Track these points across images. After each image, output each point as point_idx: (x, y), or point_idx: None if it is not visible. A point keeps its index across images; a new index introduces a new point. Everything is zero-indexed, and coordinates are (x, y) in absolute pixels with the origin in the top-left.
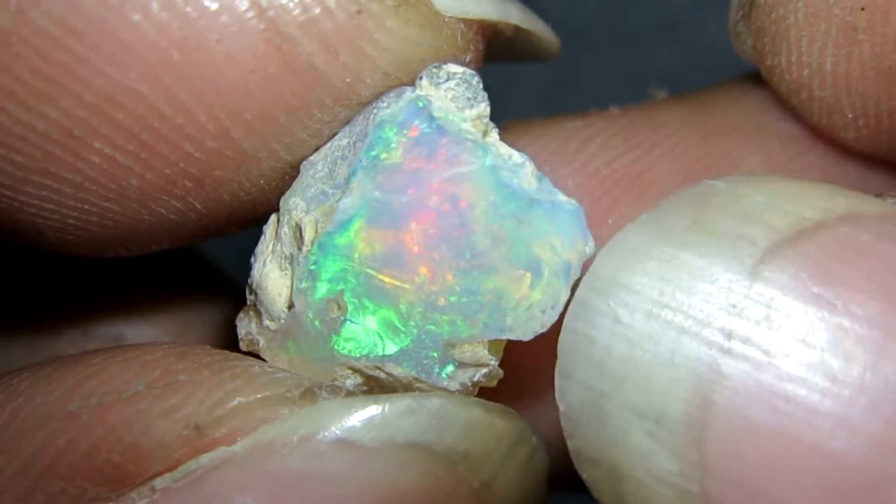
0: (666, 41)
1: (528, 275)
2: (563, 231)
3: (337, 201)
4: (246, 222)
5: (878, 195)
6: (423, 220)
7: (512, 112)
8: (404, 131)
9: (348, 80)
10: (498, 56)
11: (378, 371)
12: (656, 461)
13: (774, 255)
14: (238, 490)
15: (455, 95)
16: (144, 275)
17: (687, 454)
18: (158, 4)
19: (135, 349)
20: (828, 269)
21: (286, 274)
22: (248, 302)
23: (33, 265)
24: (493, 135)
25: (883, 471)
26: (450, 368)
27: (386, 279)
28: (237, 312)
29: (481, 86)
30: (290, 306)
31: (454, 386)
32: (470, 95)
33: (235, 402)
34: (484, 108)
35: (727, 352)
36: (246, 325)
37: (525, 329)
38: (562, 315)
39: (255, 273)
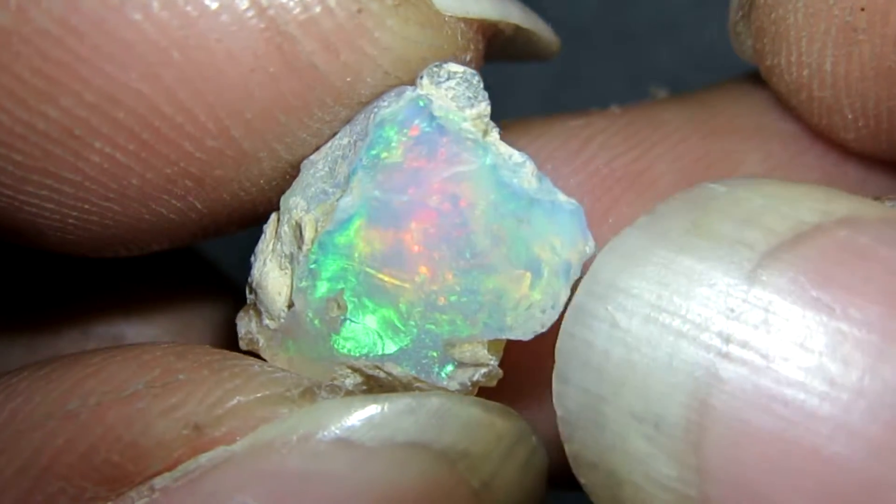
0: (666, 41)
1: (528, 274)
2: (564, 231)
3: (337, 200)
4: (246, 222)
5: (876, 198)
6: (424, 220)
7: (512, 111)
8: (405, 130)
9: (349, 79)
10: (498, 55)
11: (378, 370)
12: (654, 465)
13: (773, 258)
14: (237, 489)
15: (456, 95)
16: (144, 274)
17: (685, 458)
18: (159, 4)
19: (134, 349)
20: (826, 273)
21: (286, 273)
22: (248, 301)
23: (33, 265)
24: (494, 134)
25: (882, 475)
26: (449, 368)
27: (386, 278)
28: (237, 312)
29: (482, 85)
30: (290, 305)
31: (453, 386)
32: (470, 95)
33: (235, 402)
34: (484, 107)
35: (725, 356)
36: (246, 324)
37: (525, 329)
38: (561, 315)
39: (255, 272)
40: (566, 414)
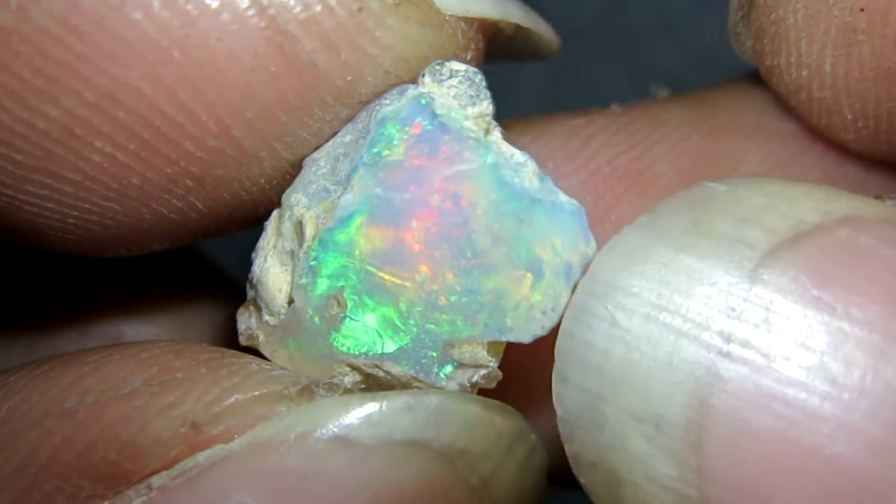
0: (666, 41)
1: (529, 275)
2: (565, 231)
3: (338, 198)
4: (247, 221)
5: (877, 197)
6: (424, 218)
7: (512, 111)
8: (406, 128)
9: (349, 78)
10: (499, 55)
11: (376, 369)
12: (655, 465)
13: (774, 257)
14: (235, 488)
15: (458, 93)
16: (145, 274)
17: (685, 458)
18: (159, 3)
19: (132, 346)
20: (827, 272)
21: (287, 270)
22: (249, 297)
23: (33, 264)
24: (496, 133)
25: (883, 475)
26: (448, 369)
27: (386, 277)
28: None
29: (484, 84)
30: (290, 302)
31: (452, 386)
32: (473, 93)
33: (232, 400)
34: (486, 106)
35: (726, 355)
36: (246, 320)
37: (525, 330)
38: (562, 317)
39: (255, 268)
40: (566, 414)
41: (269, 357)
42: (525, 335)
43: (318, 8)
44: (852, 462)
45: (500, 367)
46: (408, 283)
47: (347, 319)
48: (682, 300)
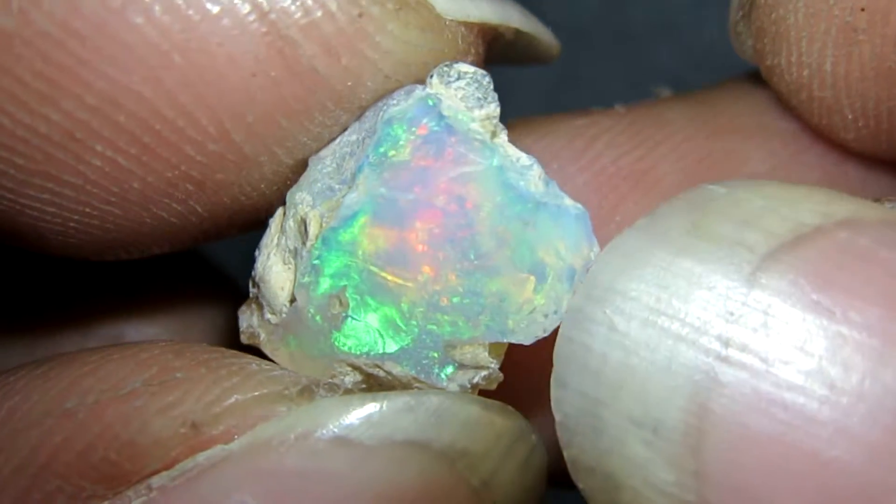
0: (666, 41)
1: (532, 278)
2: (569, 235)
3: (343, 197)
4: (247, 225)
5: (876, 200)
6: (429, 219)
7: (513, 112)
8: (413, 129)
9: (349, 83)
10: (498, 59)
11: (377, 369)
12: (653, 470)
13: (773, 260)
14: (235, 488)
15: (465, 95)
16: (146, 275)
17: (684, 463)
18: (160, 7)
19: (132, 347)
20: (826, 276)
21: (289, 268)
22: (251, 295)
23: (34, 266)
24: (502, 136)
25: (882, 479)
26: (449, 370)
27: (389, 277)
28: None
29: (492, 86)
30: (292, 300)
31: (453, 387)
32: (480, 95)
33: (232, 400)
34: (493, 108)
35: (724, 360)
36: (248, 318)
37: (527, 333)
38: None
39: (258, 266)
40: (564, 419)
41: (270, 355)
42: (526, 337)
43: (319, 13)
44: (851, 466)
45: (502, 368)
46: (410, 284)
47: (349, 319)
48: (681, 304)
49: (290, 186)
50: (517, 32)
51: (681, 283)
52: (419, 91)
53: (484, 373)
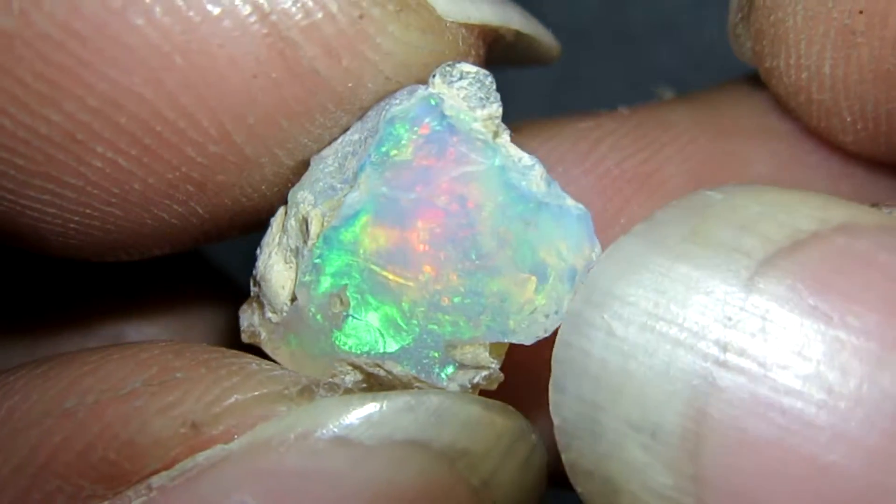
0: (666, 41)
1: (533, 279)
2: (570, 236)
3: (344, 196)
4: (248, 227)
5: (874, 205)
6: (430, 219)
7: (513, 113)
8: (415, 128)
9: (350, 84)
10: (499, 61)
11: (378, 368)
12: (651, 474)
13: (770, 266)
14: (235, 488)
15: (467, 95)
16: (147, 276)
17: (682, 467)
18: (161, 8)
19: (132, 347)
20: (824, 280)
21: (291, 267)
22: (252, 293)
23: (35, 267)
24: (504, 136)
25: (880, 483)
26: (450, 369)
27: (390, 276)
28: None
29: (494, 86)
30: (293, 299)
31: (453, 387)
32: (482, 95)
33: (232, 400)
34: (496, 108)
35: (722, 364)
36: (248, 317)
37: (528, 333)
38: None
39: (259, 265)
40: (563, 423)
41: (270, 354)
42: (527, 337)
43: (320, 15)
44: (849, 470)
45: (502, 368)
46: (411, 283)
47: (350, 318)
48: (679, 309)
49: (290, 188)
50: (517, 34)
51: (679, 288)
52: (422, 91)
53: (484, 373)
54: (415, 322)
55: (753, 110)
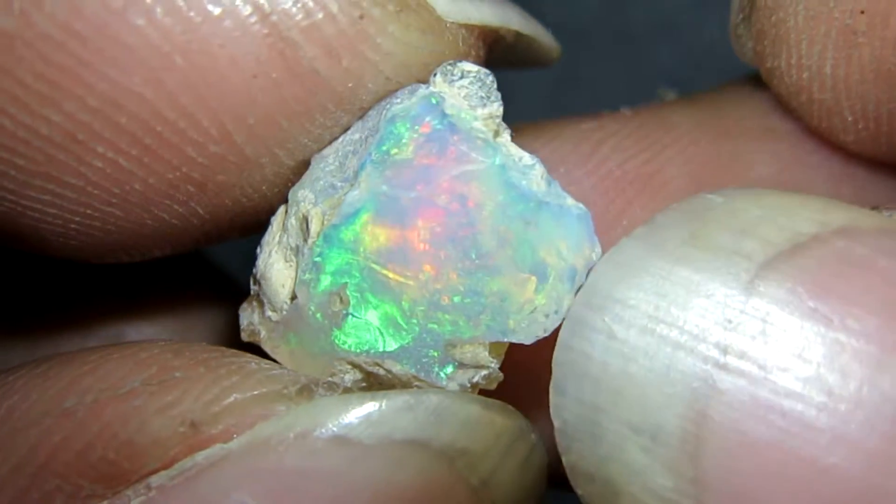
0: (666, 41)
1: (533, 278)
2: (570, 235)
3: (345, 194)
4: (248, 228)
5: (874, 208)
6: (431, 218)
7: (513, 113)
8: (416, 127)
9: (350, 84)
10: (499, 63)
11: (377, 367)
12: (652, 477)
13: (770, 269)
14: (234, 488)
15: (468, 94)
16: (147, 276)
17: (682, 469)
18: (162, 9)
19: (131, 346)
20: (824, 284)
21: (291, 265)
22: (252, 292)
23: (35, 267)
24: (505, 135)
25: (880, 486)
26: (449, 369)
27: (390, 275)
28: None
29: (495, 85)
30: (293, 298)
31: (453, 386)
32: (483, 94)
33: (231, 399)
34: (497, 107)
35: (723, 367)
36: (248, 316)
37: (527, 333)
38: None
39: (259, 263)
40: (563, 425)
41: (270, 353)
42: (527, 337)
43: (320, 15)
44: (849, 473)
45: (502, 367)
46: (411, 282)
47: (350, 317)
48: (679, 312)
49: (291, 188)
50: (517, 35)
51: (679, 291)
52: (423, 89)
53: (484, 372)
54: (414, 321)
55: (755, 111)
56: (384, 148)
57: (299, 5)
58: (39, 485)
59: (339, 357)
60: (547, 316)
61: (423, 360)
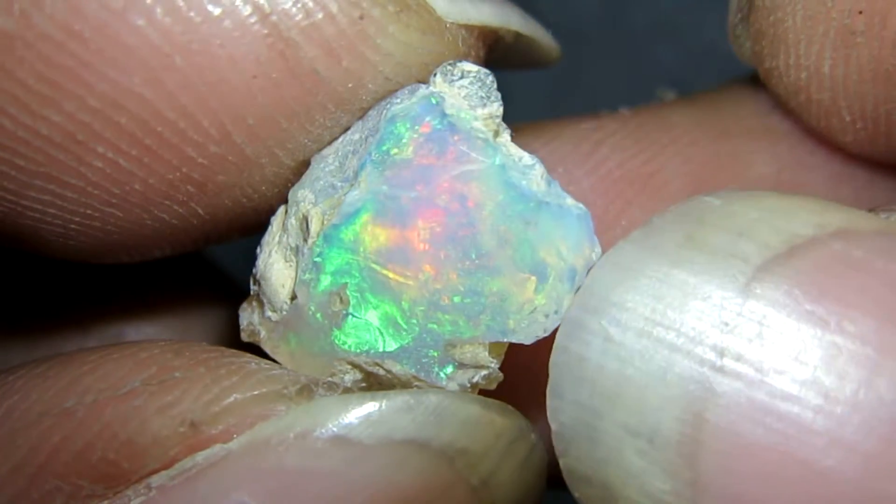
0: (666, 41)
1: (533, 278)
2: (570, 235)
3: (345, 194)
4: (248, 228)
5: (871, 210)
6: (431, 218)
7: (513, 113)
8: (416, 127)
9: (350, 84)
10: (499, 64)
11: (377, 367)
12: (649, 480)
13: (767, 271)
14: (234, 488)
15: (468, 94)
16: (147, 276)
17: (679, 472)
18: (162, 9)
19: (131, 346)
20: (821, 286)
21: (291, 265)
22: (252, 292)
23: (35, 268)
24: (505, 135)
25: (876, 489)
26: (449, 369)
27: (390, 274)
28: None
29: (495, 85)
30: (293, 298)
31: (453, 387)
32: (483, 94)
33: (231, 399)
34: (496, 107)
35: (719, 369)
36: (248, 316)
37: (527, 333)
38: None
39: (259, 263)
40: (560, 428)
41: (270, 353)
42: (527, 337)
43: (320, 15)
44: (845, 475)
45: (502, 367)
46: (411, 282)
47: (350, 316)
48: (676, 315)
49: (290, 188)
50: (517, 35)
51: (676, 293)
52: (423, 89)
53: (484, 372)
54: (414, 321)
55: (754, 111)
56: (384, 148)
57: (299, 5)
58: (39, 485)
59: (339, 357)
60: (547, 316)
61: (423, 360)
